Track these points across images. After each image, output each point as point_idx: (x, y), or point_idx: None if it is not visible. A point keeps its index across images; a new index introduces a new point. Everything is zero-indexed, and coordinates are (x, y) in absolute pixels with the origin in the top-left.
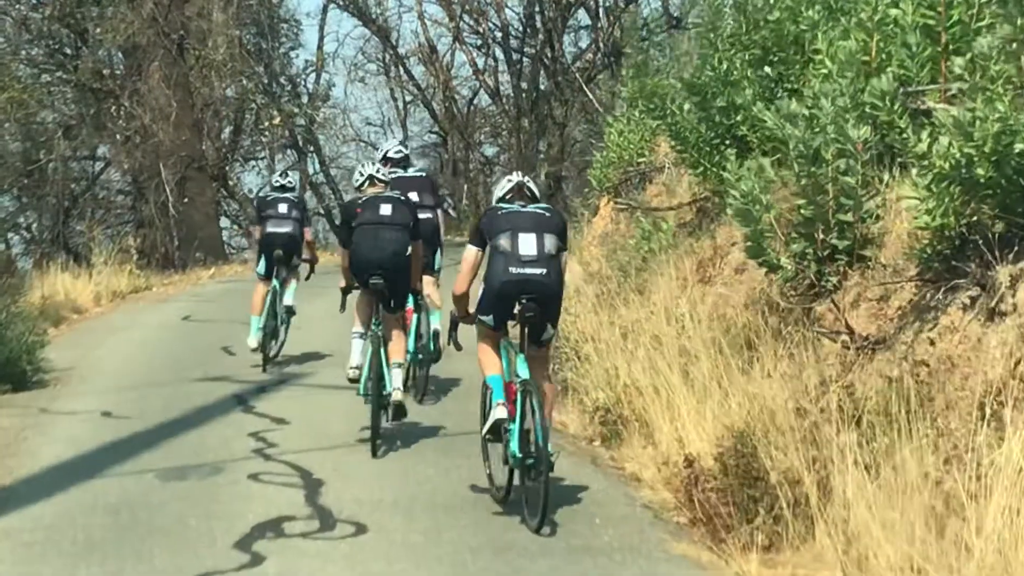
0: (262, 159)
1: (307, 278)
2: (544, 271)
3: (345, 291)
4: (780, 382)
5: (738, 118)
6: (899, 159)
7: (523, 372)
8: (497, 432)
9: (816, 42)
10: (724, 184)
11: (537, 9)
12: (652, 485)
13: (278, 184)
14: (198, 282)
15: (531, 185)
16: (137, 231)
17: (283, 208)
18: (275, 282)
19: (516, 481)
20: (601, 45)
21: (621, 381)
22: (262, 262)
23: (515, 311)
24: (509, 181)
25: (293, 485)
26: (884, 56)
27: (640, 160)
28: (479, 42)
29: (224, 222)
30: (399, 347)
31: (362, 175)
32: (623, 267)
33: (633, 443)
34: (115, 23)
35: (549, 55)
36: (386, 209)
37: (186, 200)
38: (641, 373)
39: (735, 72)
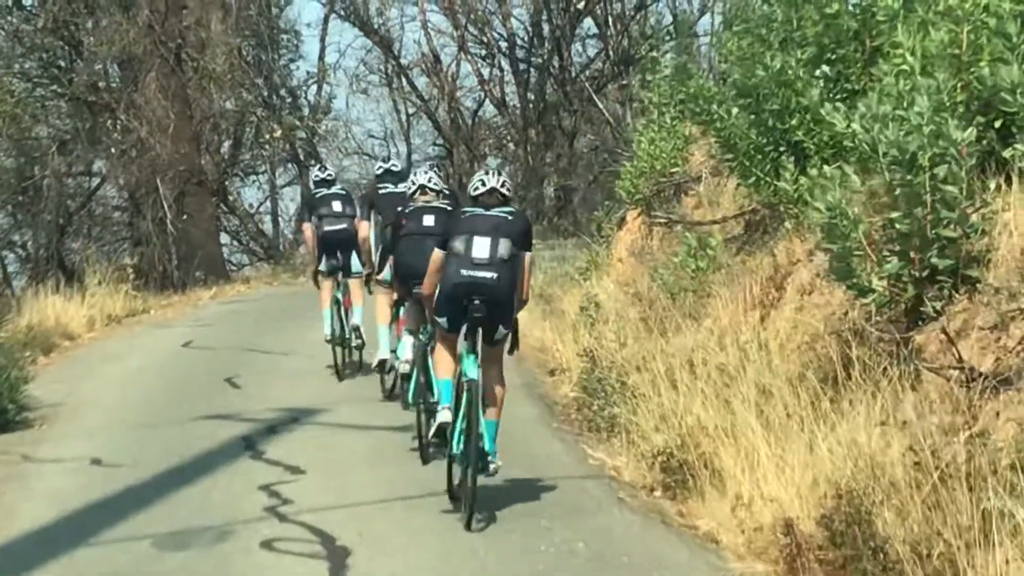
0: (263, 173)
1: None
2: (495, 275)
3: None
4: (885, 427)
5: (793, 122)
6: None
7: (471, 373)
8: (442, 435)
9: (885, 36)
10: (778, 195)
11: (544, 17)
12: (736, 551)
13: (319, 179)
14: (199, 303)
15: (503, 190)
16: (134, 249)
17: (337, 206)
18: (337, 293)
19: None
20: (611, 53)
21: (683, 420)
22: (323, 261)
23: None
24: (483, 184)
25: (314, 555)
26: (975, 49)
27: (673, 170)
28: (483, 52)
29: (224, 238)
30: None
31: (413, 183)
32: (669, 287)
33: (705, 495)
34: (110, 33)
35: (557, 64)
36: (429, 220)
37: (185, 216)
38: (705, 409)
39: (789, 71)
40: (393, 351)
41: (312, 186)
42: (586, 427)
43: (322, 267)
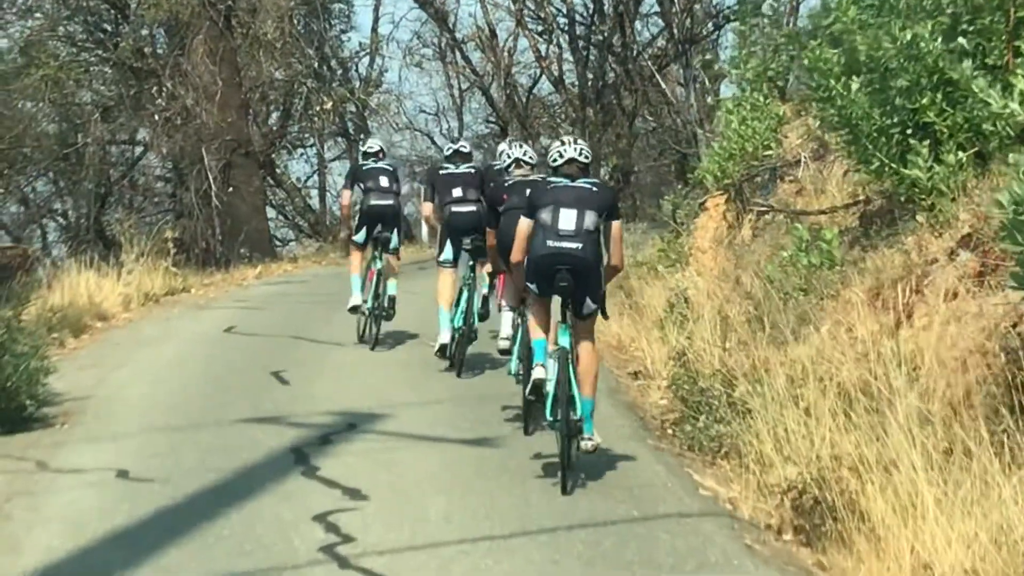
0: (311, 146)
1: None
2: (580, 245)
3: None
4: None
5: (924, 100)
6: None
7: (562, 341)
8: (538, 392)
9: None
10: (905, 184)
11: None
12: None
13: (368, 151)
14: (243, 282)
15: (581, 158)
16: (177, 222)
17: (384, 181)
18: (379, 264)
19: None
20: (675, 32)
21: (814, 447)
22: (363, 232)
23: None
24: (560, 155)
25: None
26: None
27: (767, 153)
28: (540, 28)
29: (270, 212)
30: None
31: (509, 157)
32: (777, 285)
33: (852, 546)
34: None
35: (619, 42)
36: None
37: (231, 189)
38: (842, 435)
39: (922, 44)
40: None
41: (360, 158)
42: (687, 446)
43: (359, 238)
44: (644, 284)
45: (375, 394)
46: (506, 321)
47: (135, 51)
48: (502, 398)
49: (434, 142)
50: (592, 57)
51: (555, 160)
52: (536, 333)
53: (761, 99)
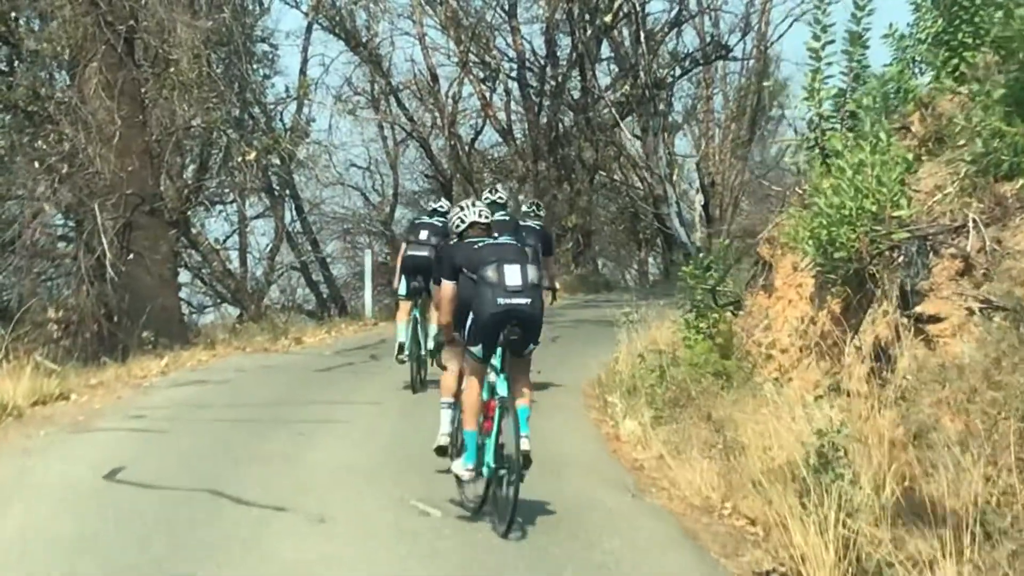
0: (231, 203)
1: None
2: (529, 300)
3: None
4: None
5: None
6: None
7: (502, 390)
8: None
9: None
10: None
11: (568, 30)
12: None
13: (431, 209)
14: (143, 381)
15: (483, 220)
16: (54, 300)
17: (424, 234)
18: (415, 312)
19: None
20: (641, 75)
21: None
22: (403, 283)
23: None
24: (462, 221)
25: None
26: None
27: (897, 214)
28: (484, 74)
29: (184, 277)
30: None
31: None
32: None
33: None
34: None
35: (577, 87)
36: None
37: (131, 256)
38: None
39: None
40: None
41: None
42: None
43: (400, 290)
44: (716, 399)
45: None
46: (444, 418)
47: (31, 93)
48: None
49: (366, 198)
50: (545, 105)
51: (458, 226)
52: (468, 423)
53: (884, 137)
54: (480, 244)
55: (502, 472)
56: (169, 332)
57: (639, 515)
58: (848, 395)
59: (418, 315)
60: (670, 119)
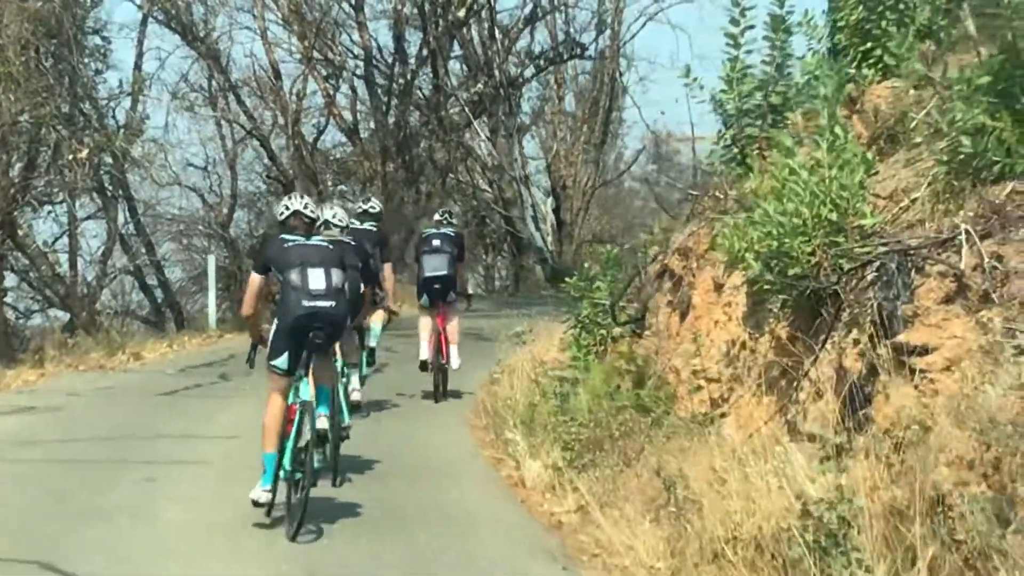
0: (60, 203)
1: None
2: (333, 303)
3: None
4: None
5: None
6: None
7: (304, 395)
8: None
9: None
10: None
11: (418, 25)
12: None
13: (360, 210)
14: None
15: (308, 212)
16: None
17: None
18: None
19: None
20: (497, 73)
21: None
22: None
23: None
24: (287, 208)
25: None
26: None
27: (860, 223)
28: (328, 71)
29: (10, 280)
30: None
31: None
32: None
33: None
34: None
35: (430, 85)
36: None
37: None
38: None
39: None
40: None
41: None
42: None
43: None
44: (644, 439)
45: None
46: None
47: None
48: None
49: (204, 200)
50: (394, 104)
51: (282, 213)
52: (268, 444)
53: (840, 133)
54: (290, 244)
55: (298, 475)
56: None
57: None
58: (810, 440)
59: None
60: (519, 120)
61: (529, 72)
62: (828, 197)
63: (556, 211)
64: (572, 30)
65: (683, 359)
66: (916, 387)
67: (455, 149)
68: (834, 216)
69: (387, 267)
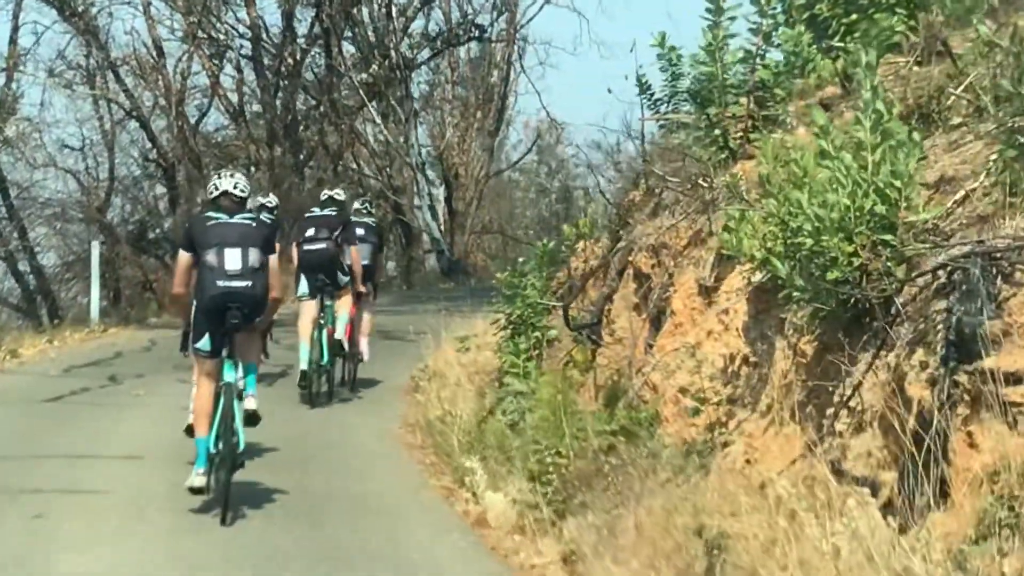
0: None
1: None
2: (249, 283)
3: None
4: None
5: None
6: None
7: (228, 377)
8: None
9: None
10: None
11: (310, 2)
12: None
13: (325, 197)
14: None
15: (237, 192)
16: None
17: (319, 231)
18: (327, 314)
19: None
20: (393, 54)
21: None
22: (303, 282)
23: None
24: (216, 188)
25: None
26: None
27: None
28: (213, 50)
29: None
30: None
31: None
32: None
33: None
34: None
35: (322, 66)
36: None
37: None
38: None
39: None
40: None
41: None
42: None
43: (303, 289)
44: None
45: None
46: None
47: None
48: None
49: (80, 182)
50: (283, 85)
51: (211, 192)
52: (199, 429)
53: (883, 109)
54: (212, 222)
55: (220, 458)
56: None
57: None
58: (857, 482)
59: (325, 318)
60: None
61: (425, 54)
62: (873, 186)
63: (448, 200)
64: (469, 11)
65: (663, 374)
66: (1010, 425)
67: (347, 133)
68: (883, 209)
69: (353, 250)
